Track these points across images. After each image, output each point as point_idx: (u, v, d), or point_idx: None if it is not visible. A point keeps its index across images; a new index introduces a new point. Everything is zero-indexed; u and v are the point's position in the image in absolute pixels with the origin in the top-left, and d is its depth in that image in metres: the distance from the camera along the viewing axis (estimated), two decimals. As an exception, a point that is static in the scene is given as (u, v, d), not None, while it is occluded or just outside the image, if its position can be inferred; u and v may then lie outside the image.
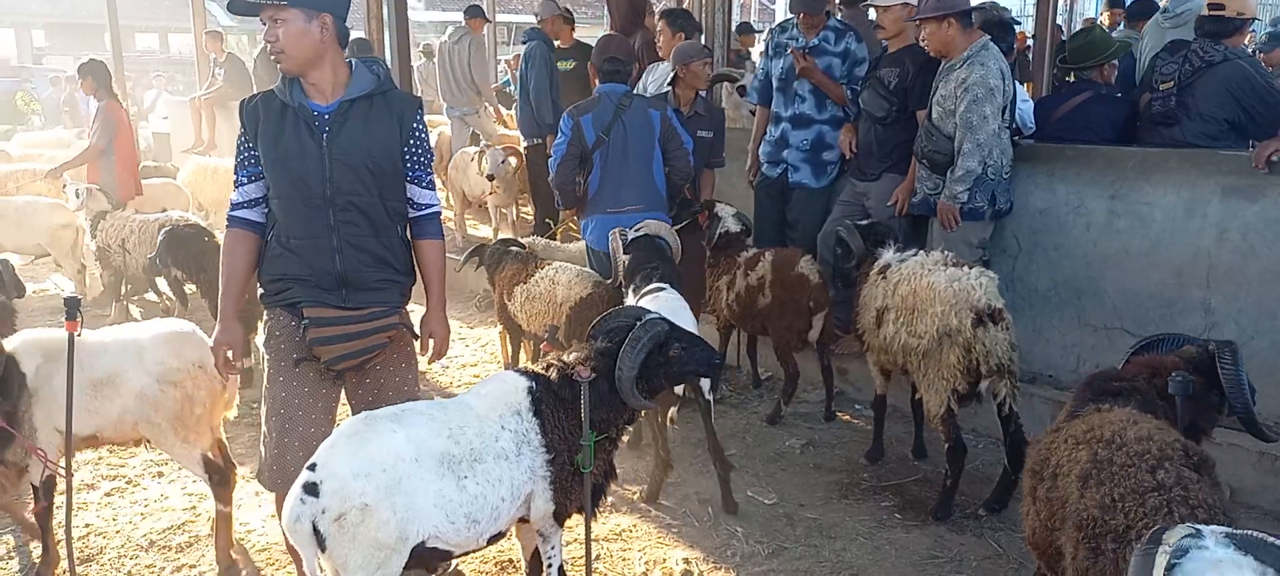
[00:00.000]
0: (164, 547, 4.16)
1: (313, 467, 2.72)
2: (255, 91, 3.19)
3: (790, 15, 5.90)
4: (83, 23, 29.99)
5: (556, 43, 8.57)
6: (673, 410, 4.50)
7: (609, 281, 4.89)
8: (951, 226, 4.95)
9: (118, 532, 4.27)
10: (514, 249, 5.77)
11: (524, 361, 6.06)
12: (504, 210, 9.42)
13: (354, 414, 3.20)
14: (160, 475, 4.85)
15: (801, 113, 5.83)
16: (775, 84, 5.95)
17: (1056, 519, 2.55)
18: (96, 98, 8.14)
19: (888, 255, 4.54)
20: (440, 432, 2.88)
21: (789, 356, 5.33)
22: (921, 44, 5.15)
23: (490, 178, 8.37)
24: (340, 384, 3.29)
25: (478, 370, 6.50)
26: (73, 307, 3.43)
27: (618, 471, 3.35)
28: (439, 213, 3.32)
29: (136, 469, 4.89)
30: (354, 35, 4.95)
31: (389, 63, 7.52)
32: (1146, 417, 2.60)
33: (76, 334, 3.44)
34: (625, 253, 4.61)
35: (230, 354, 3.18)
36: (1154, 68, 5.30)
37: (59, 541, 3.78)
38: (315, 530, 2.67)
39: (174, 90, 16.59)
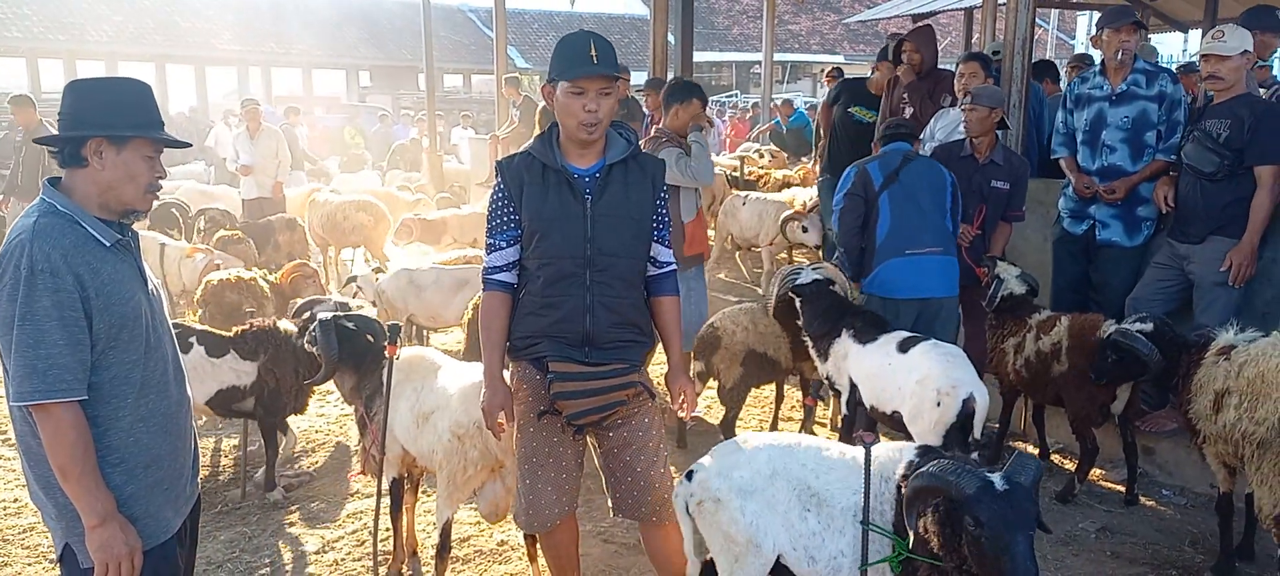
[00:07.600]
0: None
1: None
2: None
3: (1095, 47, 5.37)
4: (402, 65, 33.54)
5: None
6: None
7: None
8: None
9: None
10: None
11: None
12: (777, 254, 9.49)
13: (601, 464, 3.30)
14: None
15: (1112, 164, 5.29)
16: (1080, 138, 5.46)
17: None
18: None
19: (1229, 335, 3.99)
20: (804, 463, 3.00)
21: (1087, 430, 4.84)
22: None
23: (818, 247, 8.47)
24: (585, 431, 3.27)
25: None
26: (394, 333, 3.79)
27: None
28: (675, 270, 3.32)
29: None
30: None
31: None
32: None
33: (395, 357, 3.80)
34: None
35: (502, 415, 3.18)
36: None
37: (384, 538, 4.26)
38: (687, 509, 3.15)
39: (477, 128, 18.07)
